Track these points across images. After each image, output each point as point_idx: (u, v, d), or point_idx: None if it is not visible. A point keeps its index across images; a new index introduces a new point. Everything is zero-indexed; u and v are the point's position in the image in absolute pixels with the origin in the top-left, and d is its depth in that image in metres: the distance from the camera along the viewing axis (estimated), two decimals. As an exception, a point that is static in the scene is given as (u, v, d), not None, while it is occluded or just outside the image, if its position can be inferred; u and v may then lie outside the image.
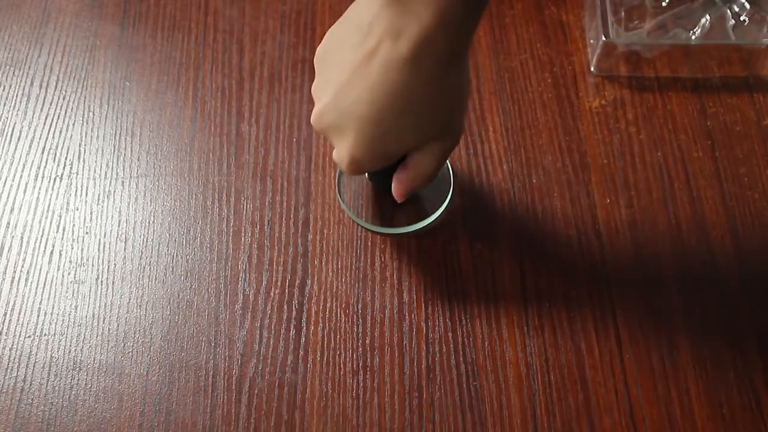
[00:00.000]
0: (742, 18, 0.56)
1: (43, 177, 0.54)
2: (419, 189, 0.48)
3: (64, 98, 0.57)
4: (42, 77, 0.58)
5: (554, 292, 0.49)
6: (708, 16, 0.56)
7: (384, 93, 0.38)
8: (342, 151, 0.42)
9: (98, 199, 0.53)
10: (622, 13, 0.57)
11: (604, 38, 0.54)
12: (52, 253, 0.51)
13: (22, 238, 0.51)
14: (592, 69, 0.57)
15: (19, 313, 0.49)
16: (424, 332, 0.48)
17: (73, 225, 0.52)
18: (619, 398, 0.46)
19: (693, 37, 0.55)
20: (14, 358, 0.47)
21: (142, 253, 0.51)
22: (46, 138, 0.55)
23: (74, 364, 0.47)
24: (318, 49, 0.43)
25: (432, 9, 0.35)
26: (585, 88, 0.56)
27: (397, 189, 0.46)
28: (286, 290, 0.49)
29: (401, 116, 0.39)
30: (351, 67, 0.39)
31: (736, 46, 0.55)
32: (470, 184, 0.53)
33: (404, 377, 0.46)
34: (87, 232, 0.51)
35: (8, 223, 0.52)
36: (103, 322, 0.48)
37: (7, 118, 0.56)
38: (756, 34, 0.56)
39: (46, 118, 0.56)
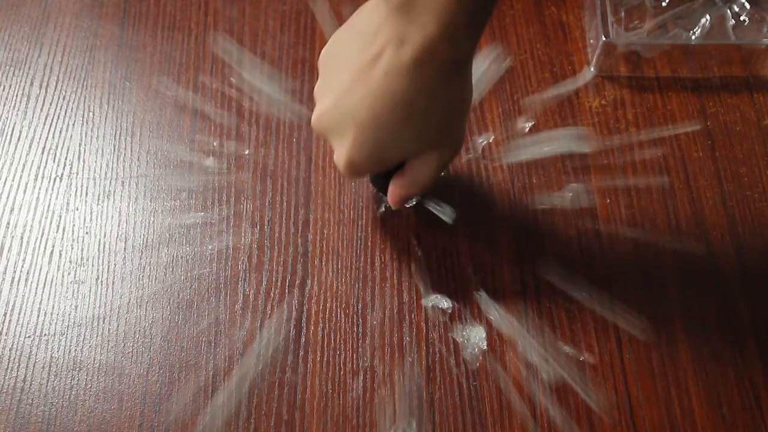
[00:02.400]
0: (742, 18, 0.56)
1: (43, 177, 0.54)
2: (415, 196, 0.48)
3: (64, 98, 0.57)
4: (42, 77, 0.58)
5: (554, 292, 0.49)
6: (708, 16, 0.56)
7: (385, 99, 0.38)
8: (340, 154, 0.42)
9: (98, 199, 0.53)
10: (622, 13, 0.57)
11: (604, 38, 0.54)
12: (52, 253, 0.51)
13: (22, 238, 0.51)
14: (591, 69, 0.57)
15: (19, 313, 0.49)
16: (424, 332, 0.48)
17: (73, 225, 0.52)
18: (619, 398, 0.46)
19: (693, 37, 0.55)
20: (14, 358, 0.47)
21: (142, 253, 0.51)
22: (46, 138, 0.55)
23: (74, 364, 0.47)
24: (322, 51, 0.43)
25: (437, 18, 0.36)
26: (585, 88, 0.56)
27: (392, 193, 0.46)
28: (286, 290, 0.49)
29: (401, 123, 0.39)
30: (354, 71, 0.39)
31: (736, 46, 0.55)
32: (470, 184, 0.53)
33: (404, 377, 0.46)
34: (87, 232, 0.51)
35: (8, 223, 0.52)
36: (103, 322, 0.48)
37: (7, 118, 0.56)
38: (756, 34, 0.56)
39: (46, 118, 0.56)
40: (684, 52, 0.56)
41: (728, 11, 0.56)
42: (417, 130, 0.40)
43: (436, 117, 0.40)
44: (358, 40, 0.39)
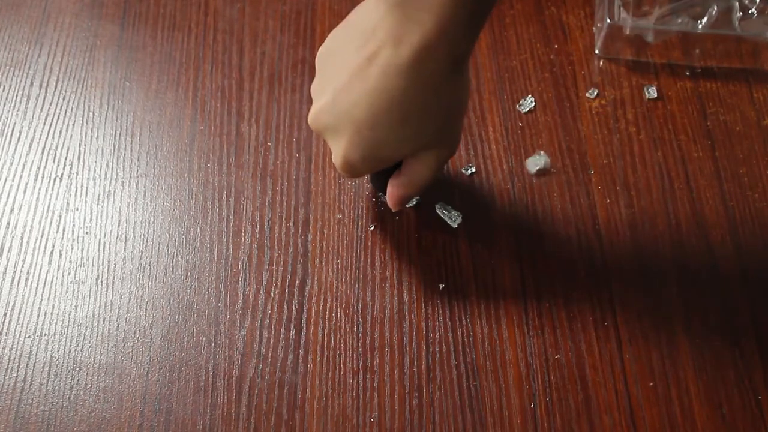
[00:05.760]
0: (750, 11, 0.56)
1: (43, 177, 0.54)
2: (414, 196, 0.48)
3: (64, 98, 0.57)
4: (42, 77, 0.58)
5: (554, 292, 0.49)
6: (715, 6, 0.56)
7: (382, 98, 0.38)
8: (337, 153, 0.42)
9: (98, 199, 0.53)
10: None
11: (608, 20, 0.54)
12: (52, 253, 0.51)
13: (22, 238, 0.51)
14: (596, 51, 0.57)
15: (19, 313, 0.49)
16: (424, 332, 0.48)
17: (73, 225, 0.52)
18: (619, 398, 0.46)
19: (699, 26, 0.55)
20: (14, 358, 0.47)
21: (142, 253, 0.51)
22: (46, 138, 0.55)
23: (74, 364, 0.47)
24: (320, 49, 0.43)
25: (435, 17, 0.35)
26: (585, 88, 0.56)
27: (391, 194, 0.46)
28: (286, 290, 0.49)
29: (398, 122, 0.39)
30: (351, 69, 0.39)
31: (742, 37, 0.55)
32: (470, 184, 0.53)
33: (404, 377, 0.46)
34: (87, 232, 0.51)
35: (8, 223, 0.52)
36: (103, 322, 0.48)
37: (7, 118, 0.56)
38: (762, 27, 0.56)
39: (46, 118, 0.56)
40: (689, 40, 0.56)
41: (736, 3, 0.56)
42: (414, 130, 0.40)
43: (433, 116, 0.40)
44: (355, 37, 0.39)
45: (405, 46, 0.36)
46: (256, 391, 0.46)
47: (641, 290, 0.49)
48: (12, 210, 0.52)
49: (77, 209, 0.52)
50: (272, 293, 0.49)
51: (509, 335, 0.48)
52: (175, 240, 0.51)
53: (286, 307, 0.49)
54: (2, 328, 0.48)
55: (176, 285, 0.49)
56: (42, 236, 0.51)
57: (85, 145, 0.55)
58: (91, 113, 0.56)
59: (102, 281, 0.50)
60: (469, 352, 0.47)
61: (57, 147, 0.55)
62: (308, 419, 0.45)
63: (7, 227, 0.52)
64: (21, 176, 0.54)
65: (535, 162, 0.51)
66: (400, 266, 0.50)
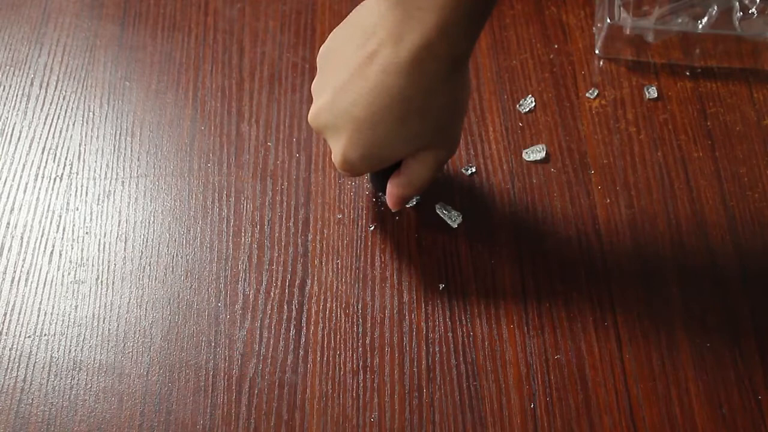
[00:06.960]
0: (750, 11, 0.56)
1: (43, 177, 0.54)
2: (413, 196, 0.48)
3: (64, 98, 0.57)
4: (42, 77, 0.58)
5: (554, 292, 0.49)
6: (715, 6, 0.56)
7: (381, 97, 0.38)
8: (336, 152, 0.42)
9: (98, 199, 0.53)
10: None
11: (609, 20, 0.55)
12: (52, 253, 0.51)
13: (22, 238, 0.51)
14: (596, 51, 0.57)
15: (19, 313, 0.49)
16: (424, 332, 0.48)
17: (73, 225, 0.52)
18: (619, 398, 0.46)
19: (700, 26, 0.55)
20: (14, 358, 0.47)
21: (142, 253, 0.51)
22: (46, 138, 0.55)
23: (74, 364, 0.47)
24: (321, 48, 0.43)
25: (435, 16, 0.35)
26: (585, 88, 0.56)
27: (390, 193, 0.46)
28: (286, 290, 0.49)
29: (397, 121, 0.39)
30: (351, 68, 0.39)
31: (742, 37, 0.56)
32: (470, 184, 0.53)
33: (404, 377, 0.46)
34: (87, 232, 0.51)
35: (8, 223, 0.52)
36: (103, 322, 0.48)
37: (7, 118, 0.56)
38: (763, 27, 0.56)
39: (46, 118, 0.56)
40: (689, 40, 0.56)
41: (737, 2, 0.56)
42: (413, 129, 0.40)
43: (433, 116, 0.40)
44: (356, 36, 0.39)
45: (405, 45, 0.36)
46: (256, 391, 0.46)
47: (641, 290, 0.49)
48: (12, 210, 0.52)
49: (77, 209, 0.52)
50: (272, 293, 0.49)
51: (509, 335, 0.48)
52: (175, 240, 0.51)
53: (286, 307, 0.49)
54: (2, 328, 0.48)
55: (176, 285, 0.49)
56: (42, 236, 0.51)
57: (85, 145, 0.55)
58: (91, 113, 0.56)
59: (102, 281, 0.50)
60: (469, 352, 0.47)
61: (57, 147, 0.55)
62: (308, 419, 0.45)
63: (7, 227, 0.52)
64: (21, 176, 0.54)
65: (534, 152, 0.52)
66: (400, 266, 0.50)
